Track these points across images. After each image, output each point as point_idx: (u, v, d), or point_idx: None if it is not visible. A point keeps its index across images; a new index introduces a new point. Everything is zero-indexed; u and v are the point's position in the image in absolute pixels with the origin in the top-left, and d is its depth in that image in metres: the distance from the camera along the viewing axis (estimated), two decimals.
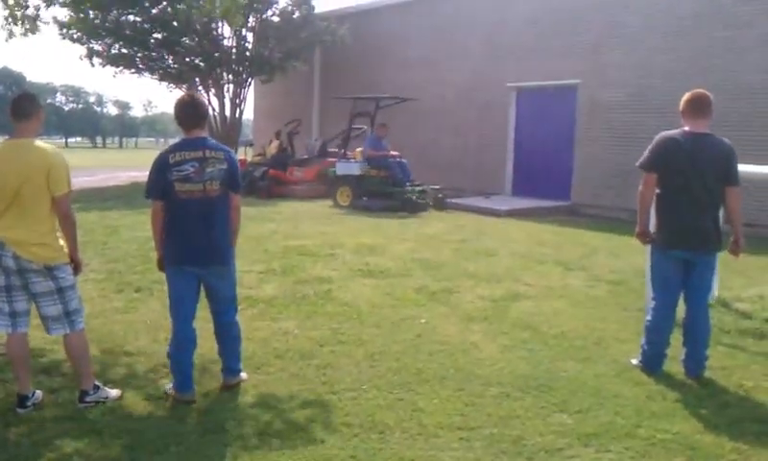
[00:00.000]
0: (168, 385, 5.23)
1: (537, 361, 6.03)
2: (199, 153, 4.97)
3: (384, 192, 16.63)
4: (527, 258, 10.61)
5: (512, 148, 19.36)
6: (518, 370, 5.82)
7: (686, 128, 5.67)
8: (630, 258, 10.34)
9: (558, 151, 18.06)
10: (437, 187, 17.33)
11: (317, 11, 24.37)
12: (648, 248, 5.99)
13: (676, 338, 5.91)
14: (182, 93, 5.53)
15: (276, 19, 24.26)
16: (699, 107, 5.67)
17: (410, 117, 21.80)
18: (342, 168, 17.16)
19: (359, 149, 17.42)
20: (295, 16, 23.86)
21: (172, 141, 6.04)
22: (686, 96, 5.74)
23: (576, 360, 6.07)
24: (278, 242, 11.27)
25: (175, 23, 22.60)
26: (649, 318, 5.85)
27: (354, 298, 7.93)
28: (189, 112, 5.10)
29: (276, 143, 21.04)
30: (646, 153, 5.69)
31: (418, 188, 16.61)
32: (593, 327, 7.05)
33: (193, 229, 5.00)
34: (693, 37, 14.96)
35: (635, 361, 5.94)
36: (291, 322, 7.01)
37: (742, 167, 6.43)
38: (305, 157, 20.39)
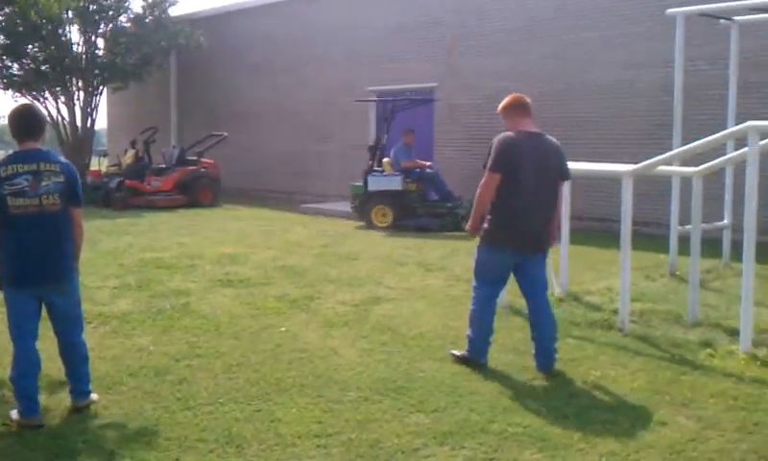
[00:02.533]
0: (13, 411, 4.97)
1: (395, 363, 6.08)
2: (33, 165, 4.74)
3: (427, 208, 14.81)
4: (389, 261, 10.71)
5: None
6: (377, 373, 5.85)
7: (520, 128, 5.87)
8: None
9: (420, 154, 18.29)
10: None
11: (172, 15, 23.78)
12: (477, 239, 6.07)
13: (524, 332, 6.09)
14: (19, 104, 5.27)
15: (128, 25, 23.56)
16: (524, 107, 5.95)
17: (272, 124, 21.68)
18: (376, 183, 14.89)
19: (386, 159, 15.28)
20: (147, 21, 23.23)
21: None
22: (509, 99, 6.02)
23: (434, 360, 6.16)
24: (135, 255, 10.94)
25: (21, 28, 21.61)
26: (473, 307, 6.00)
27: (213, 309, 7.78)
28: (22, 123, 4.87)
29: (131, 152, 20.44)
30: (492, 154, 5.79)
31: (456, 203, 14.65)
32: (451, 326, 7.17)
33: (30, 246, 4.76)
34: (544, 40, 15.49)
35: (457, 352, 6.06)
36: (146, 338, 6.80)
37: (593, 165, 6.78)
38: (163, 165, 19.88)
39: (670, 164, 8.47)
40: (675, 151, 7.58)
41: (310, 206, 17.97)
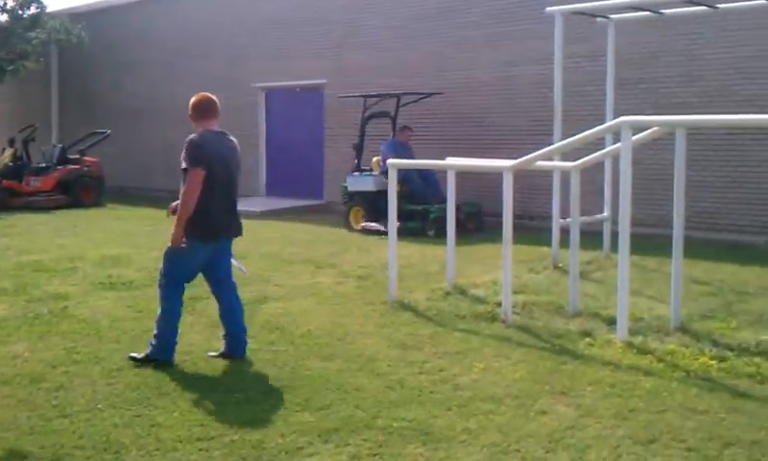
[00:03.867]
0: None
1: (282, 362, 6.03)
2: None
3: (406, 211, 12.76)
4: (277, 259, 10.63)
5: (264, 149, 19.33)
6: (263, 373, 5.80)
7: (208, 128, 6.09)
8: (378, 253, 10.62)
9: (309, 150, 18.25)
10: None
11: (50, 9, 22.93)
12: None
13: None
14: None
15: (2, 20, 22.58)
16: (211, 108, 6.17)
17: (153, 121, 21.20)
18: (354, 183, 14.21)
19: (376, 158, 14.19)
20: (24, 16, 22.31)
21: None
22: (196, 100, 6.19)
23: (321, 357, 6.14)
24: (11, 258, 10.52)
25: None
26: (165, 309, 6.04)
27: (93, 313, 7.54)
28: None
29: (9, 151, 19.58)
30: (190, 153, 5.88)
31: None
32: (339, 323, 7.17)
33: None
34: (428, 37, 15.65)
35: (138, 355, 6.04)
36: (21, 344, 6.53)
37: (476, 161, 6.85)
38: (43, 164, 19.15)
39: (551, 159, 8.71)
40: (554, 146, 7.78)
41: None
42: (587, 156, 8.44)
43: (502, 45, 14.52)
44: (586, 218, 9.37)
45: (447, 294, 8.14)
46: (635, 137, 6.68)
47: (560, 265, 9.54)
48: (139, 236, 12.92)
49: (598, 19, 10.77)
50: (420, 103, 14.95)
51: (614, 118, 8.16)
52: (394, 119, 14.63)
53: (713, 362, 5.82)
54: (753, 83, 11.31)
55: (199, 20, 20.34)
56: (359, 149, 14.65)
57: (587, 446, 4.44)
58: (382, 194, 12.19)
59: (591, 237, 10.38)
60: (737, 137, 11.73)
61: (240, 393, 5.36)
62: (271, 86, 18.84)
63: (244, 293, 8.34)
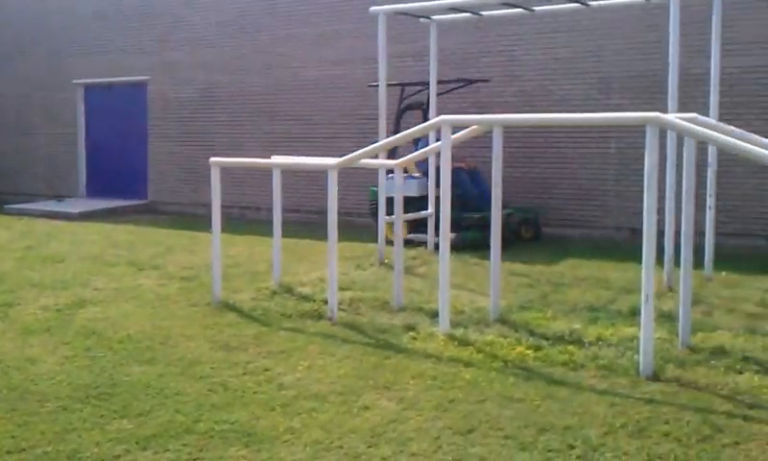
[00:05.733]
0: None
1: (100, 368, 5.78)
2: None
3: (461, 220, 10.60)
4: (98, 262, 10.21)
5: (83, 148, 18.50)
6: (79, 380, 5.52)
7: None
8: (203, 254, 10.39)
9: (133, 149, 17.63)
10: None
11: None
12: None
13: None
14: None
15: None
16: None
17: None
18: (392, 188, 10.30)
19: (406, 157, 11.11)
20: None
21: None
22: None
23: (141, 362, 5.92)
24: None
25: None
26: None
27: None
28: None
29: None
30: None
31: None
32: (161, 326, 6.95)
33: None
34: (257, 34, 15.48)
35: None
36: None
37: (301, 159, 6.80)
38: None
39: (376, 157, 8.83)
40: (377, 144, 7.88)
41: (14, 206, 16.67)
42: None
43: (330, 43, 14.57)
44: (408, 215, 9.57)
45: (274, 293, 8.08)
46: (454, 135, 6.86)
47: (386, 261, 9.68)
48: None
49: (421, 20, 11.02)
50: (246, 100, 14.80)
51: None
52: (426, 111, 12.02)
53: (530, 351, 6.06)
54: (568, 82, 11.90)
55: (15, 14, 19.20)
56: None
57: (408, 438, 4.51)
58: (424, 200, 11.13)
59: (417, 232, 10.63)
60: (552, 135, 12.30)
61: (54, 401, 5.09)
62: (91, 83, 18.07)
63: (60, 297, 8.01)
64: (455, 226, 9.42)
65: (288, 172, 11.49)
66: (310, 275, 9.02)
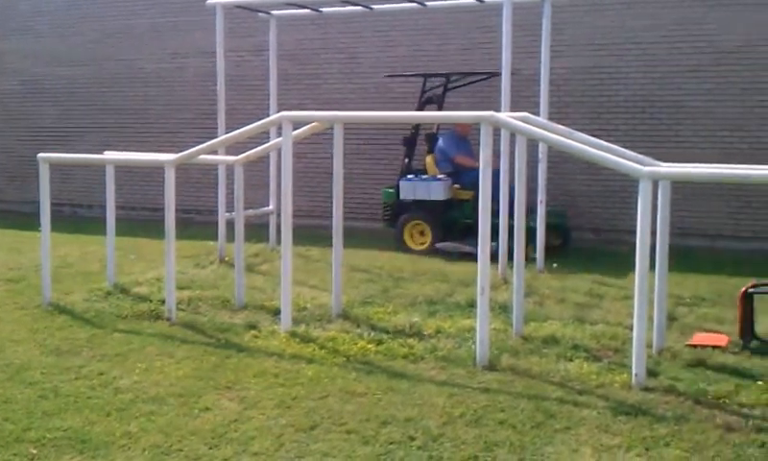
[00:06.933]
0: None
1: None
2: None
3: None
4: None
5: None
6: None
7: None
8: (32, 254, 9.85)
9: None
10: None
11: None
12: None
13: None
14: None
15: None
16: None
17: None
18: (410, 190, 10.62)
19: (430, 157, 10.98)
20: None
21: None
22: None
23: None
24: None
25: None
26: None
27: None
28: None
29: None
30: None
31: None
32: None
33: None
34: (92, 23, 14.84)
35: None
36: None
37: (135, 155, 6.60)
38: None
39: (216, 153, 8.68)
40: (216, 140, 7.75)
41: None
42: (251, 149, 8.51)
43: (167, 36, 14.18)
44: (250, 211, 9.47)
45: (108, 294, 7.79)
46: (295, 132, 6.84)
47: (226, 259, 9.53)
48: None
49: (260, 14, 10.92)
50: (77, 94, 14.21)
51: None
52: (440, 105, 11.05)
53: (371, 346, 6.14)
54: (407, 80, 12.10)
55: None
56: (410, 144, 11.26)
57: (250, 438, 4.46)
58: (451, 204, 10.48)
59: (258, 230, 10.53)
60: (391, 132, 12.45)
61: None
62: None
63: None
64: (465, 230, 9.96)
65: (123, 168, 11.13)
66: (147, 274, 8.75)
